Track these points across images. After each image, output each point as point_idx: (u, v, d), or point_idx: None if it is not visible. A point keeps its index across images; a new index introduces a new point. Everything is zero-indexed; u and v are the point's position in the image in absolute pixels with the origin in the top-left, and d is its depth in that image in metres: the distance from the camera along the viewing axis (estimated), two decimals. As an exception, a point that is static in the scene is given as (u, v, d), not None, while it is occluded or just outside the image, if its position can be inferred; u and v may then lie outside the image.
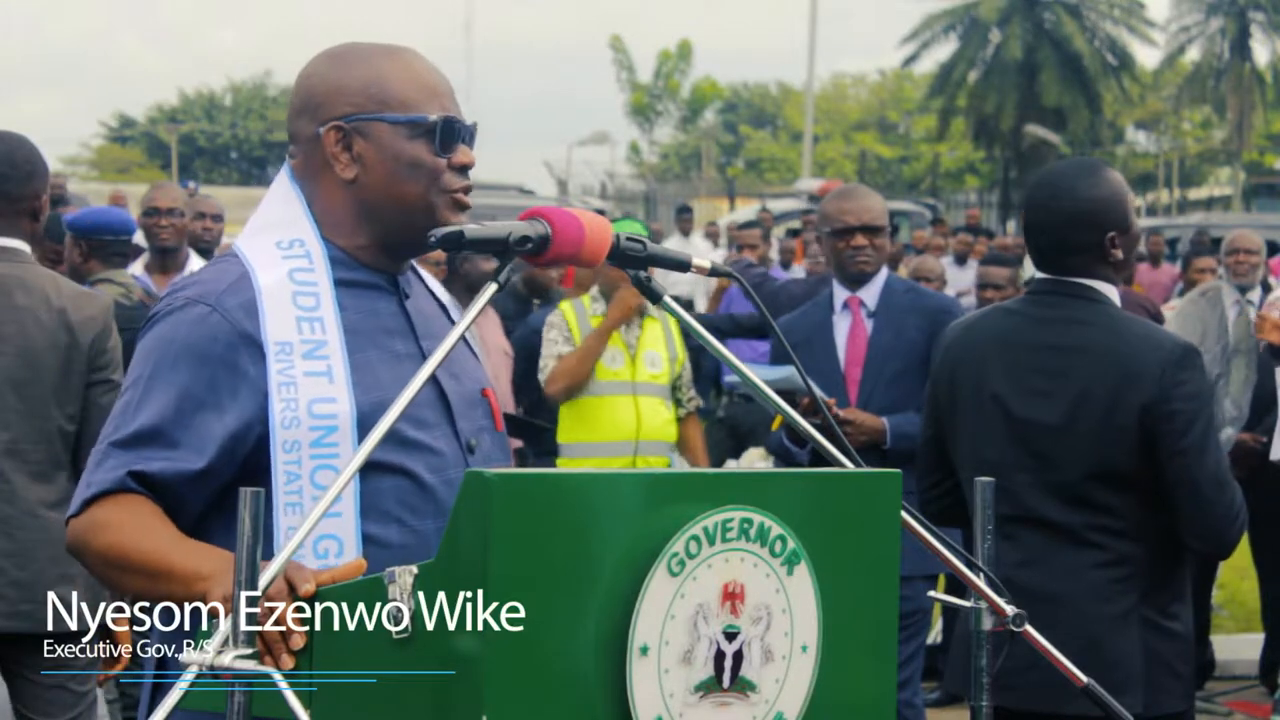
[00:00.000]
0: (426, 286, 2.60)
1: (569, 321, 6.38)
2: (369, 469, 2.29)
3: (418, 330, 2.46)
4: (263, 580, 1.74)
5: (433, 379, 2.42)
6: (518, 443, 7.16)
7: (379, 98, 2.42)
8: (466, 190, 2.46)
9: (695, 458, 6.45)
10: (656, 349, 6.40)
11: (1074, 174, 3.65)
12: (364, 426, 2.30)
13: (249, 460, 2.30)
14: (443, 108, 2.45)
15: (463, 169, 2.45)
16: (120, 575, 2.26)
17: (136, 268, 6.48)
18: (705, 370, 10.17)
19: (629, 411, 6.29)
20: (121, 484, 2.27)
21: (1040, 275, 3.72)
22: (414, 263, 2.58)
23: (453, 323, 2.53)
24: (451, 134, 2.43)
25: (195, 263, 6.86)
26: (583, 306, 6.44)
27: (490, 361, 7.22)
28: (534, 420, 6.89)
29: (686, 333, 5.52)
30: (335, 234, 2.44)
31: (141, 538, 2.22)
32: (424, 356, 2.43)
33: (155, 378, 2.32)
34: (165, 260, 6.75)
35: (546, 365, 6.35)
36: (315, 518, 1.81)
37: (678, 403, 6.44)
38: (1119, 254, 3.61)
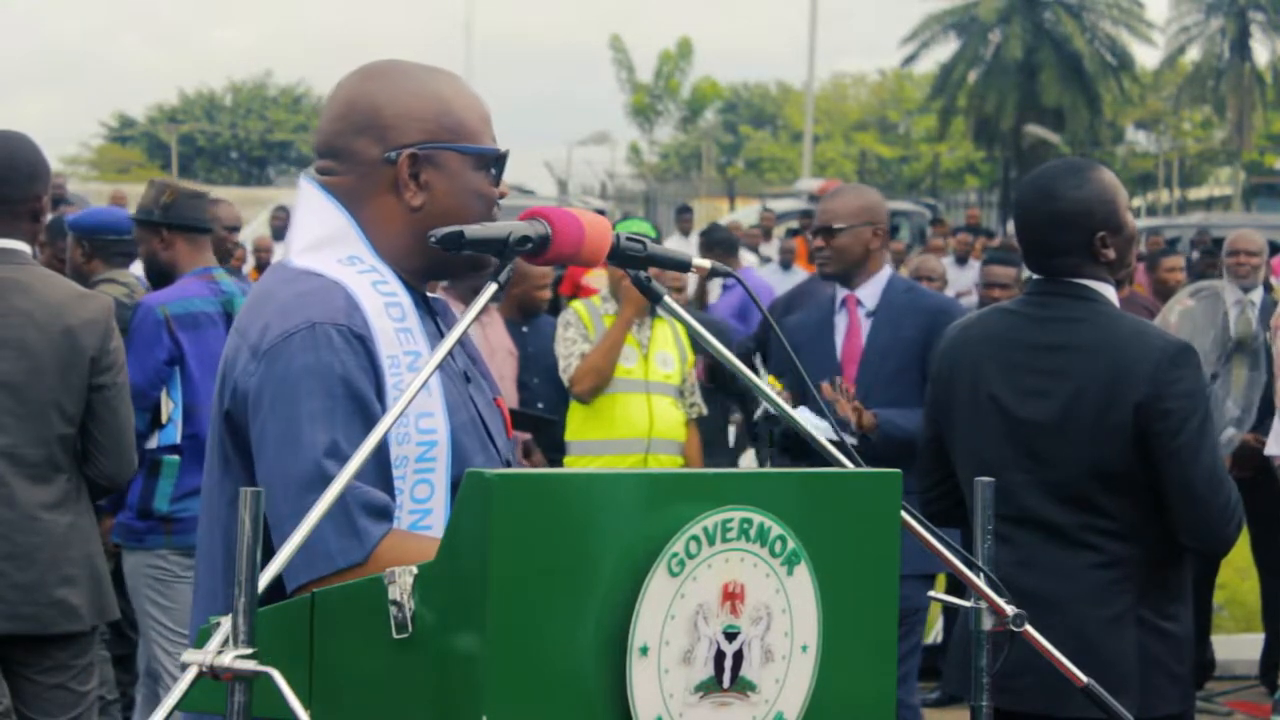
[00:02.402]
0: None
1: (584, 319, 6.39)
2: (458, 488, 2.27)
3: (454, 350, 2.45)
4: (263, 580, 1.74)
5: (470, 400, 2.41)
6: (526, 435, 7.18)
7: (452, 127, 2.40)
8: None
9: (690, 464, 6.44)
10: (668, 349, 6.41)
11: (1060, 175, 3.65)
12: (456, 442, 2.29)
13: None
14: (494, 138, 2.46)
15: (498, 200, 2.47)
16: None
17: (135, 268, 6.48)
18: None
19: (642, 410, 6.30)
20: (391, 515, 2.21)
21: (1035, 276, 3.72)
22: None
23: (473, 341, 2.53)
24: (503, 166, 2.46)
25: None
26: (594, 305, 6.45)
27: (495, 361, 7.24)
28: (542, 414, 6.91)
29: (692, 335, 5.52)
30: (386, 256, 2.39)
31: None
32: (464, 374, 2.44)
33: (334, 412, 2.19)
34: None
35: (570, 365, 6.34)
36: (316, 516, 1.81)
37: (680, 406, 6.44)
38: (1110, 254, 3.61)
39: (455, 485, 2.22)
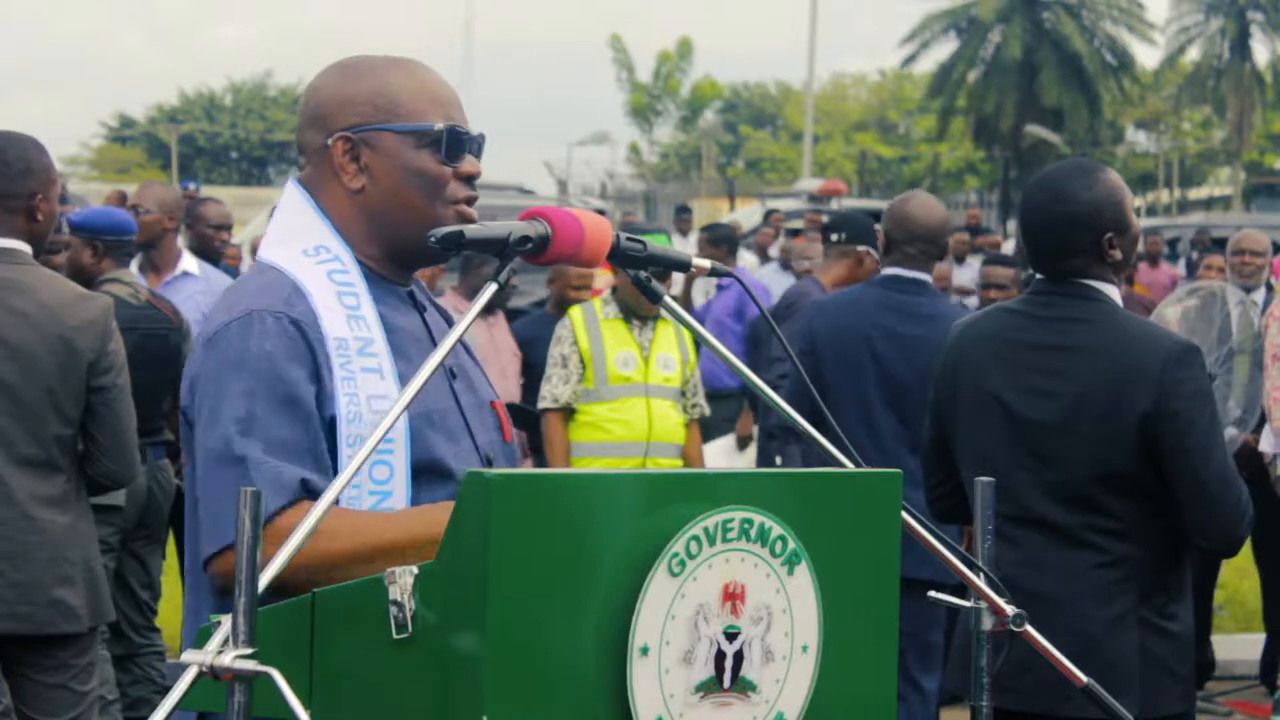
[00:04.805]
0: (436, 304, 2.60)
1: (575, 328, 6.35)
2: (422, 472, 2.32)
3: (439, 343, 2.46)
4: (263, 580, 1.74)
5: (451, 392, 2.43)
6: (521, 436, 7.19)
7: (385, 108, 2.43)
8: (471, 200, 2.47)
9: (691, 464, 6.43)
10: (670, 351, 6.39)
11: (1069, 176, 3.64)
12: (414, 428, 2.32)
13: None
14: (448, 117, 2.45)
15: (468, 179, 2.46)
16: (359, 569, 2.13)
17: (133, 266, 6.49)
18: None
19: (640, 413, 6.28)
20: (299, 494, 2.23)
21: (1038, 276, 3.72)
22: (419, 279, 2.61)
23: (464, 341, 2.53)
24: (457, 143, 2.44)
25: (188, 262, 6.88)
26: (593, 309, 6.42)
27: (499, 360, 7.24)
28: (536, 410, 6.92)
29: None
30: (351, 245, 2.45)
31: (363, 527, 2.19)
32: (449, 369, 2.45)
33: (255, 392, 2.27)
34: (151, 258, 6.80)
35: (544, 396, 6.34)
36: (317, 516, 1.81)
37: (681, 407, 6.43)
38: (1117, 254, 3.61)
39: (417, 471, 2.30)
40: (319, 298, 2.34)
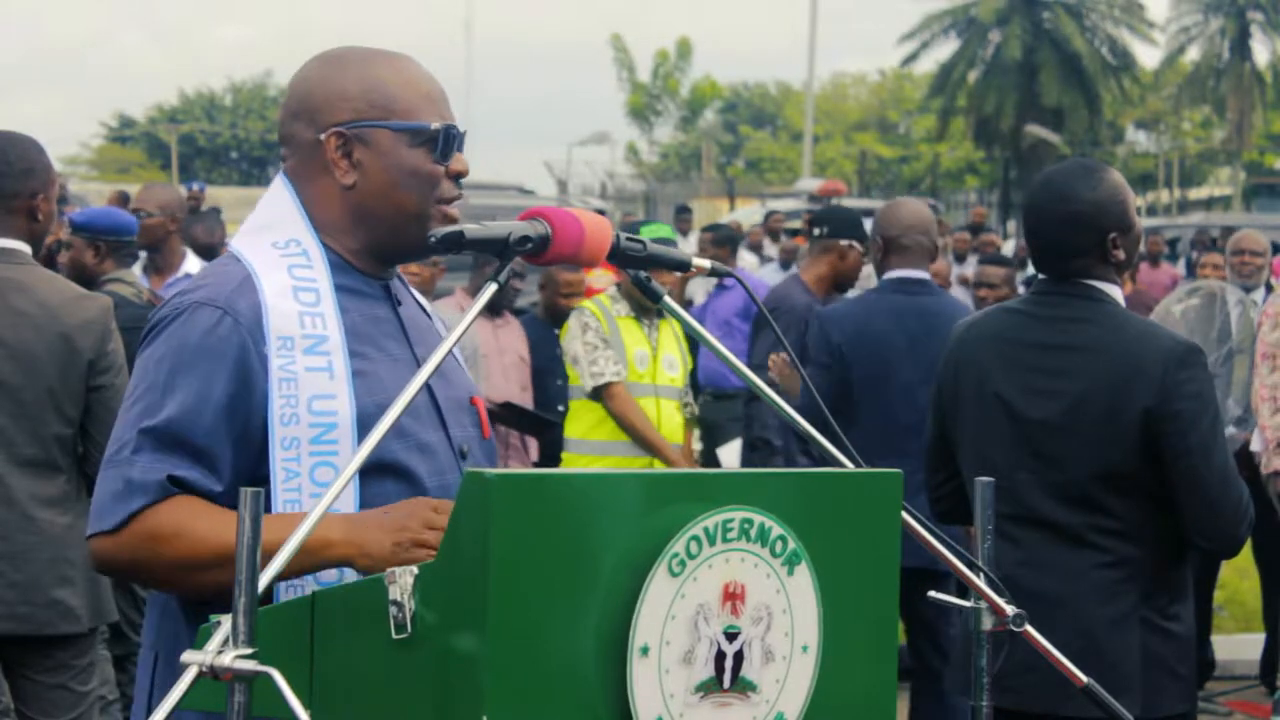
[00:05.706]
0: (414, 297, 2.60)
1: (600, 319, 6.36)
2: (370, 470, 2.29)
3: (411, 337, 2.47)
4: (263, 580, 1.74)
5: (425, 384, 2.43)
6: (523, 453, 7.19)
7: (381, 104, 2.43)
8: (457, 199, 2.47)
9: (684, 463, 6.45)
10: (673, 352, 6.40)
11: (1073, 176, 3.64)
12: (364, 426, 2.29)
13: (260, 461, 2.29)
14: (441, 115, 2.46)
15: (457, 177, 2.47)
16: (215, 574, 2.17)
17: (136, 268, 6.50)
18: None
19: (650, 413, 6.29)
20: (165, 491, 2.25)
21: (1040, 275, 3.72)
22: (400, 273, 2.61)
23: (442, 335, 2.53)
24: (450, 142, 2.45)
25: (191, 263, 6.89)
26: (604, 305, 6.43)
27: (504, 362, 7.25)
28: (544, 414, 6.91)
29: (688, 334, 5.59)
30: (329, 237, 2.45)
31: (225, 531, 2.14)
32: (418, 362, 2.45)
33: (170, 383, 2.29)
34: (155, 260, 6.81)
35: (602, 372, 6.25)
36: (317, 516, 1.81)
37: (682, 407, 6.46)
38: (1120, 254, 3.61)
39: (365, 469, 2.24)
40: (272, 293, 2.33)
